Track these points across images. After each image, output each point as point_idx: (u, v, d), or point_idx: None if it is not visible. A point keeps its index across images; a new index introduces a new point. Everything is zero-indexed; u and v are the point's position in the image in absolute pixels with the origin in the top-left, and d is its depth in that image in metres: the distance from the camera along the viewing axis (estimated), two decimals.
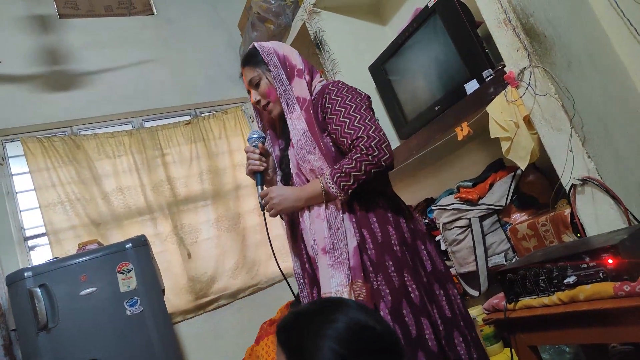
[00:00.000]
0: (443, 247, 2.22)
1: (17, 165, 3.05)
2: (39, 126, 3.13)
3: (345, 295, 1.24)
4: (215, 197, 3.46)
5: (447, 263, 2.12)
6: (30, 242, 2.95)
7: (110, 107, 3.34)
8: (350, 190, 1.30)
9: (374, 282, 1.27)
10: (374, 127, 1.32)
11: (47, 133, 3.15)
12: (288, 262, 3.58)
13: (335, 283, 1.27)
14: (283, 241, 3.56)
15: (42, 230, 2.94)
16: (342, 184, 1.29)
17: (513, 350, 1.41)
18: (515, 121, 1.41)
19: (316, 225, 1.35)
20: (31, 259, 2.90)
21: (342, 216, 1.33)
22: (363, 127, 1.31)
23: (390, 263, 1.29)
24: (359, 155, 1.29)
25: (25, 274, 2.19)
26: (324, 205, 1.34)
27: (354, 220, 1.33)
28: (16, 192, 2.99)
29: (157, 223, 3.22)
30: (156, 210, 3.24)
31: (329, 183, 1.31)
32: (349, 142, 1.32)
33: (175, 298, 3.11)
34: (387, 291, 1.25)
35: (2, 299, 2.32)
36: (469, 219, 2.03)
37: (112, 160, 3.21)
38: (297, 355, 0.80)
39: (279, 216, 1.49)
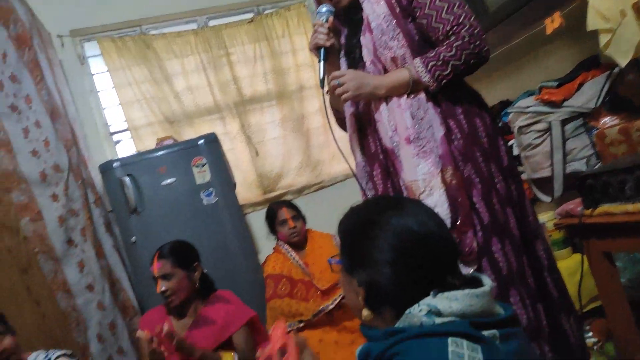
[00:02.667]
0: (516, 151, 2.14)
1: (96, 65, 3.20)
2: (111, 26, 3.20)
3: (434, 184, 1.21)
4: (279, 98, 3.48)
5: (519, 168, 2.06)
6: (115, 137, 3.19)
7: (175, 5, 3.33)
8: (444, 81, 1.22)
9: (464, 171, 1.24)
10: (473, 15, 1.22)
11: (119, 33, 3.22)
12: (352, 163, 3.63)
13: (422, 172, 1.23)
14: (345, 142, 3.59)
15: (124, 126, 3.15)
16: (437, 73, 1.20)
17: (585, 256, 1.40)
18: (622, 9, 1.24)
19: (396, 115, 1.27)
20: (117, 152, 3.15)
21: (427, 105, 1.26)
22: (464, 14, 1.21)
23: (478, 154, 1.26)
24: (460, 42, 1.19)
25: (114, 165, 2.40)
26: (405, 96, 1.26)
27: (439, 110, 1.27)
28: (98, 91, 3.17)
29: (226, 122, 3.34)
30: (224, 109, 3.33)
31: (422, 71, 1.22)
32: (447, 28, 1.22)
33: (245, 192, 3.31)
34: (477, 180, 1.24)
35: (98, 185, 2.58)
36: (549, 122, 1.91)
37: (180, 60, 3.27)
38: (353, 248, 0.82)
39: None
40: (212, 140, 2.63)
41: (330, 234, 2.63)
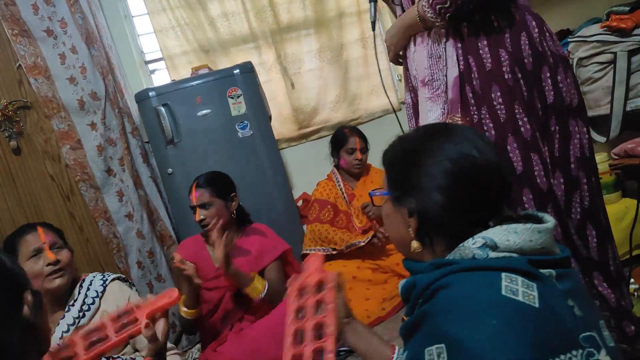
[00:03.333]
0: None
1: None
2: None
3: None
4: (317, 26, 3.31)
5: None
6: (150, 67, 3.15)
7: None
8: (448, 14, 1.14)
9: (475, 116, 1.16)
10: None
11: None
12: (389, 98, 3.49)
13: (432, 117, 1.21)
14: (386, 75, 3.43)
15: (159, 54, 3.10)
16: (437, 6, 1.14)
17: None
18: None
19: (418, 55, 1.26)
20: (152, 81, 3.12)
21: (445, 43, 1.19)
22: None
23: (498, 94, 1.15)
24: None
25: (150, 94, 2.38)
26: (425, 33, 1.23)
27: (459, 46, 1.18)
28: (132, 16, 3.09)
29: (262, 52, 3.22)
30: (260, 37, 3.20)
31: (425, 7, 1.16)
32: None
33: (280, 126, 3.26)
34: (491, 125, 1.15)
35: (135, 115, 2.58)
36: (615, 53, 1.73)
37: None
38: (403, 177, 0.77)
39: (384, 50, 1.40)
40: (248, 70, 2.54)
41: None
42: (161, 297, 0.96)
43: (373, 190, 0.85)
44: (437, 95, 1.20)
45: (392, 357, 0.93)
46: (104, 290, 1.55)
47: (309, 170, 3.35)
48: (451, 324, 0.61)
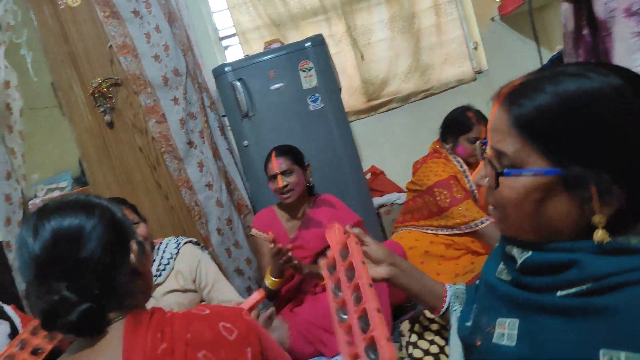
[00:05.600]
0: None
1: None
2: None
3: None
4: None
5: None
6: (224, 43, 3.25)
7: None
8: None
9: None
10: None
11: None
12: (464, 68, 3.36)
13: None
14: (460, 43, 3.29)
15: (232, 30, 3.19)
16: None
17: None
18: None
19: None
20: (226, 57, 3.23)
21: None
22: None
23: None
24: None
25: (226, 69, 2.47)
26: None
27: None
28: None
29: (331, 24, 3.21)
30: (330, 9, 3.19)
31: None
32: None
33: (349, 99, 3.26)
34: None
35: (212, 90, 2.70)
36: None
37: None
38: (584, 147, 0.57)
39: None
40: (319, 43, 2.55)
41: None
42: (253, 298, 1.15)
43: (508, 169, 0.62)
44: None
45: (445, 296, 0.89)
46: (178, 252, 1.69)
47: (377, 143, 3.34)
48: None
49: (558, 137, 0.57)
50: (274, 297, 1.96)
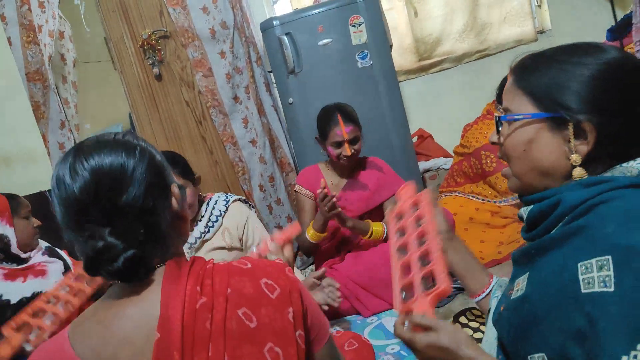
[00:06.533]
0: None
1: None
2: None
3: None
4: None
5: None
6: None
7: None
8: None
9: None
10: None
11: None
12: (524, 27, 3.13)
13: None
14: (522, 0, 3.05)
15: None
16: None
17: None
18: None
19: None
20: (274, 11, 3.15)
21: None
22: None
23: None
24: None
25: (274, 23, 2.40)
26: None
27: None
28: None
29: None
30: None
31: None
32: None
33: (399, 57, 3.13)
34: None
35: (259, 45, 2.65)
36: None
37: None
38: (567, 92, 0.68)
39: None
40: None
41: None
42: (288, 229, 1.14)
43: (504, 114, 0.76)
44: None
45: (489, 285, 0.90)
46: (227, 209, 1.68)
47: (427, 105, 3.22)
48: (622, 235, 0.58)
49: (544, 87, 0.70)
50: (311, 253, 1.96)
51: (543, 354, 0.64)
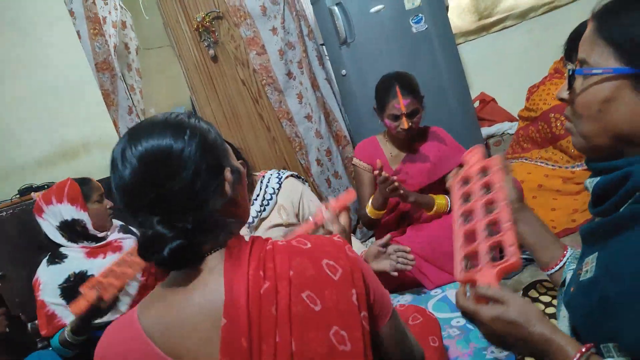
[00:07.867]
0: None
1: None
2: None
3: None
4: None
5: None
6: None
7: None
8: None
9: None
10: None
11: None
12: None
13: None
14: None
15: None
16: None
17: None
18: None
19: None
20: None
21: None
22: None
23: None
24: None
25: None
26: None
27: None
28: None
29: None
30: None
31: None
32: None
33: (456, 19, 2.97)
34: None
35: (310, 18, 2.62)
36: None
37: None
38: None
39: None
40: None
41: None
42: (343, 197, 1.13)
43: (580, 67, 0.66)
44: None
45: (563, 257, 0.84)
46: (280, 187, 1.69)
47: (488, 67, 3.05)
48: None
49: (633, 38, 0.61)
50: (373, 227, 1.95)
51: (616, 344, 0.59)
